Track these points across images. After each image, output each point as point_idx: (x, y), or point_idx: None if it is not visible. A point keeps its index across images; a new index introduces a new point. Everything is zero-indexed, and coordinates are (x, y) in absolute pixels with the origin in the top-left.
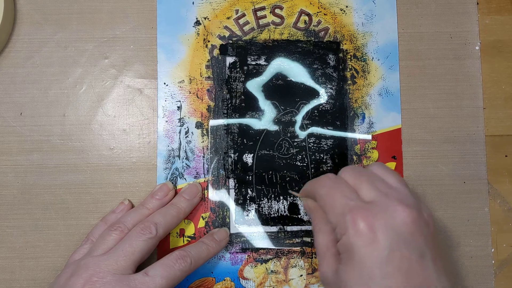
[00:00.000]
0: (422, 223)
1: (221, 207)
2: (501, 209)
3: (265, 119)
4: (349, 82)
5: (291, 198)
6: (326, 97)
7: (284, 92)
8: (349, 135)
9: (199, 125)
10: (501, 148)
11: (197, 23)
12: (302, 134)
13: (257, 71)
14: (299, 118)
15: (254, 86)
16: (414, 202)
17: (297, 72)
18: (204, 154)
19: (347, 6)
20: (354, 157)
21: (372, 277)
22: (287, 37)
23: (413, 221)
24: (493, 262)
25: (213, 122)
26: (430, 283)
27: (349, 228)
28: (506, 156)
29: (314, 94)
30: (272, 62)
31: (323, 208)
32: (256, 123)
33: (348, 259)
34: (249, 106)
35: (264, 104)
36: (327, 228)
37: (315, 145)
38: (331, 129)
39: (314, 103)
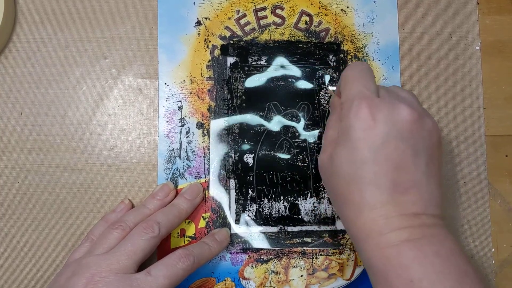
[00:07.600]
0: (424, 128)
1: (222, 207)
2: (502, 209)
3: (266, 119)
4: None
5: (292, 198)
6: (327, 98)
7: (284, 93)
8: None
9: (200, 125)
10: (501, 148)
11: (198, 23)
12: (303, 135)
13: (258, 72)
14: (299, 119)
15: (255, 86)
16: (419, 108)
17: (298, 72)
18: (204, 154)
19: (348, 7)
20: None
21: (363, 160)
22: (288, 37)
23: (413, 121)
24: (493, 262)
25: (214, 123)
26: (418, 183)
27: (352, 111)
28: (506, 156)
29: (315, 94)
30: (273, 62)
31: (342, 85)
32: (257, 121)
33: (344, 141)
34: (250, 106)
35: (265, 104)
36: (338, 125)
37: (316, 145)
38: None
39: (315, 103)
